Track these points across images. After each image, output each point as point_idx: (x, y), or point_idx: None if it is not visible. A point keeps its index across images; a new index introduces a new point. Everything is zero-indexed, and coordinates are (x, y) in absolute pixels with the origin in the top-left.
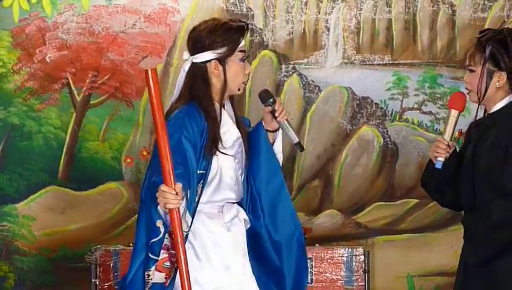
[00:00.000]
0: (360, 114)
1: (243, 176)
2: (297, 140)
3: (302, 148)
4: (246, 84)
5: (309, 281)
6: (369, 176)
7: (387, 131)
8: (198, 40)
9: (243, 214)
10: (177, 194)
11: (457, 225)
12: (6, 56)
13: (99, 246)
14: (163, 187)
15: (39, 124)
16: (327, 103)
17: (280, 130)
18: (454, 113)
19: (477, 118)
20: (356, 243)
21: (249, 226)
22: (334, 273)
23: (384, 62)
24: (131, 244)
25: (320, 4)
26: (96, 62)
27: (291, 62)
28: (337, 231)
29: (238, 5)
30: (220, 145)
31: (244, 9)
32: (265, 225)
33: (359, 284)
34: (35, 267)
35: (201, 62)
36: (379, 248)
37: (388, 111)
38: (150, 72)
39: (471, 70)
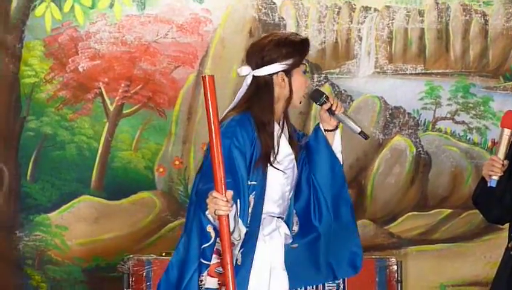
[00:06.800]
0: (392, 124)
1: (291, 192)
2: (360, 129)
3: (366, 136)
4: (305, 98)
5: None
6: (402, 185)
7: (419, 141)
8: (264, 53)
9: (284, 229)
10: (227, 201)
11: (490, 234)
12: (39, 65)
13: (132, 255)
14: (214, 193)
15: (72, 133)
16: (359, 112)
17: (338, 130)
18: (507, 132)
19: None
20: (389, 253)
21: (290, 241)
22: (367, 283)
23: (417, 72)
24: (164, 254)
25: (352, 14)
26: (128, 72)
27: (324, 71)
28: (370, 241)
29: (270, 14)
30: (272, 159)
31: (277, 19)
32: (333, 227)
33: None
34: (68, 277)
35: (268, 75)
36: (412, 258)
37: (421, 121)
38: (206, 79)
39: None
